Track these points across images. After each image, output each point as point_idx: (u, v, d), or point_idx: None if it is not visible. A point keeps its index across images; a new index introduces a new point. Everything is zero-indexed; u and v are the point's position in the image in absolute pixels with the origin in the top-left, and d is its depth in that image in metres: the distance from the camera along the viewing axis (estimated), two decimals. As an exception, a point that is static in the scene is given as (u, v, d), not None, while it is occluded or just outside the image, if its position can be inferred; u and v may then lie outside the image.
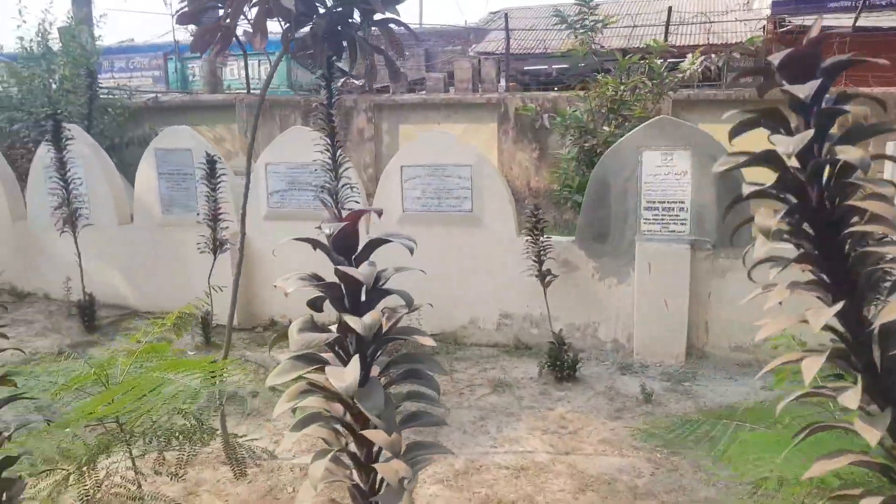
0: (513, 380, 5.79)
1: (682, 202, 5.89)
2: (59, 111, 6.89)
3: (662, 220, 5.95)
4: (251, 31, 3.97)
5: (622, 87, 7.65)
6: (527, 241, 5.90)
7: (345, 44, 4.00)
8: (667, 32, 9.63)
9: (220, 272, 6.35)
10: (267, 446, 4.54)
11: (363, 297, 1.44)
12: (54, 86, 10.98)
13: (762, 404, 3.76)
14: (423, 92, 12.78)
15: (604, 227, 6.18)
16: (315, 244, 1.47)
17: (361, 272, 1.39)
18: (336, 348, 1.46)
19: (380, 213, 1.88)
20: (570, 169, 8.13)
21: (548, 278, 5.90)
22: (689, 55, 7.98)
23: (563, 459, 4.50)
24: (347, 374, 1.33)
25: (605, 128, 7.75)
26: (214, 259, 6.08)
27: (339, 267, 1.41)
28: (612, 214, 6.13)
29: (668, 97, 8.38)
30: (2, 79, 11.20)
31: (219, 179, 5.84)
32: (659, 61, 7.77)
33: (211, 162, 5.82)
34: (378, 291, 1.46)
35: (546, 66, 15.05)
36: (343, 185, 5.86)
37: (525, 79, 15.40)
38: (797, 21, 12.74)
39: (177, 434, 3.24)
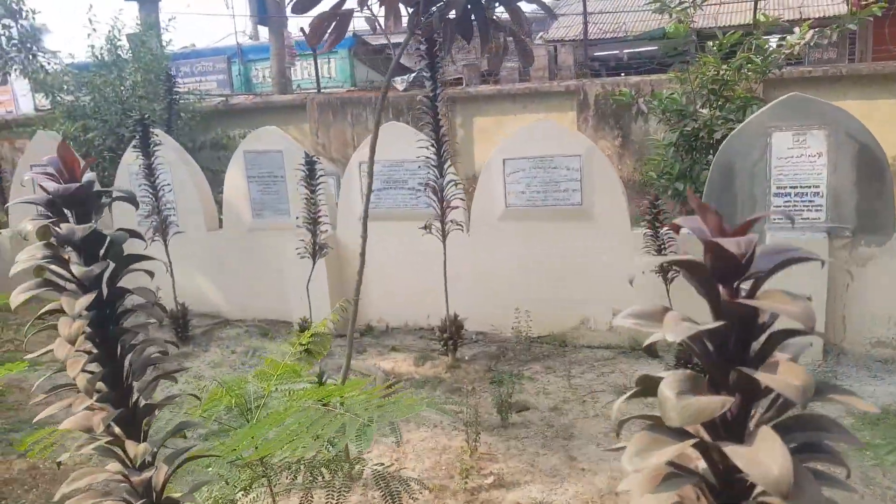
0: (638, 385, 5.38)
1: (817, 187, 5.38)
2: (146, 115, 6.69)
3: (795, 206, 5.45)
4: (372, 17, 3.67)
5: (725, 67, 7.10)
6: (645, 234, 5.48)
7: (475, 25, 3.65)
8: (756, 8, 9.00)
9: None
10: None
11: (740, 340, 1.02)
12: (126, 93, 10.86)
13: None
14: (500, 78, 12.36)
15: (729, 217, 5.68)
16: (685, 265, 1.07)
17: (796, 311, 0.97)
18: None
19: (792, 220, 1.46)
20: (668, 155, 7.62)
21: (670, 273, 5.47)
22: (797, 29, 7.38)
23: (717, 474, 4.08)
24: (774, 461, 0.90)
25: (703, 110, 7.22)
26: (314, 264, 5.81)
27: (743, 301, 1.00)
28: (739, 202, 5.66)
29: (773, 75, 7.80)
30: (75, 88, 11.15)
31: (318, 181, 5.55)
32: (764, 37, 7.21)
33: (310, 163, 5.53)
34: (774, 334, 1.05)
35: (617, 52, 14.48)
36: (448, 182, 5.54)
37: (595, 65, 14.85)
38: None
39: (320, 468, 2.94)
